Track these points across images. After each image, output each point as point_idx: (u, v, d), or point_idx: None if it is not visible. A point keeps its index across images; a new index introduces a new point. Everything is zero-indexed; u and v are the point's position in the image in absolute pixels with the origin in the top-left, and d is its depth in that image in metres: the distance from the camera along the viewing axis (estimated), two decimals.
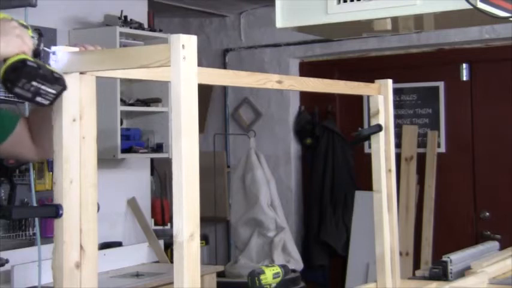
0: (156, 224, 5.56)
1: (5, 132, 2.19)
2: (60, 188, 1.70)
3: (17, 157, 2.63)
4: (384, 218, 2.54)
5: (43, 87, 1.62)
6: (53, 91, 1.63)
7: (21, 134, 2.20)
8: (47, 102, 1.64)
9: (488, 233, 5.49)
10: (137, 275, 4.64)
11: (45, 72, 1.62)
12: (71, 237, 1.71)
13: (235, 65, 6.30)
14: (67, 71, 1.70)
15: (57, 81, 1.63)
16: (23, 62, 1.62)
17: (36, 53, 1.74)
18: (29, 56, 1.66)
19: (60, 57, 1.71)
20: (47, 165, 4.38)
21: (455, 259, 2.93)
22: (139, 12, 5.14)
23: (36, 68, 1.62)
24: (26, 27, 1.77)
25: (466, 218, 5.62)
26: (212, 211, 5.93)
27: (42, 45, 1.76)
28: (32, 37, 1.76)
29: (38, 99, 1.63)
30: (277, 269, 2.31)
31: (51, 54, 1.71)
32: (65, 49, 1.73)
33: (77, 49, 1.77)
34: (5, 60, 1.64)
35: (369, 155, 2.58)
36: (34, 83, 1.61)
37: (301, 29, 2.74)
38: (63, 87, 1.64)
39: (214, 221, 6.11)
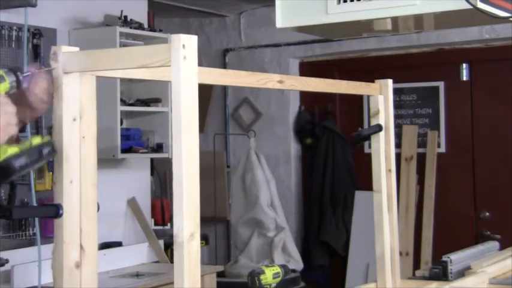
0: (156, 224, 5.55)
1: None
2: (60, 187, 1.70)
3: None
4: (384, 218, 2.55)
5: (36, 165, 1.63)
6: (45, 161, 1.65)
7: None
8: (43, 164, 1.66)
9: (488, 233, 5.49)
10: (137, 275, 4.64)
11: (33, 158, 1.61)
12: (71, 237, 1.71)
13: (235, 65, 6.30)
14: (67, 70, 1.70)
15: (44, 155, 1.63)
16: (10, 163, 1.58)
17: (21, 84, 1.72)
18: (14, 147, 1.61)
19: (60, 57, 1.71)
20: (46, 165, 4.38)
21: (455, 259, 2.93)
22: (139, 12, 5.14)
23: (24, 164, 1.60)
24: (1, 78, 1.69)
25: (466, 218, 5.62)
26: (212, 211, 5.93)
27: (20, 75, 1.73)
28: (11, 83, 1.69)
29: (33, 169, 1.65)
30: (277, 269, 2.31)
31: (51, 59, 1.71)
32: (66, 49, 1.73)
33: (77, 49, 1.76)
34: None
35: (369, 155, 2.58)
36: (25, 170, 1.62)
37: (301, 29, 2.74)
38: (53, 153, 1.64)
39: (214, 221, 6.11)
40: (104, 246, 4.74)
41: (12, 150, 1.60)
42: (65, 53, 1.72)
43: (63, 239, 1.70)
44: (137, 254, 4.96)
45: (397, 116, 5.10)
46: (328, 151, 5.96)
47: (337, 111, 6.11)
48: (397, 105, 5.62)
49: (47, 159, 1.64)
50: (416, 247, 5.52)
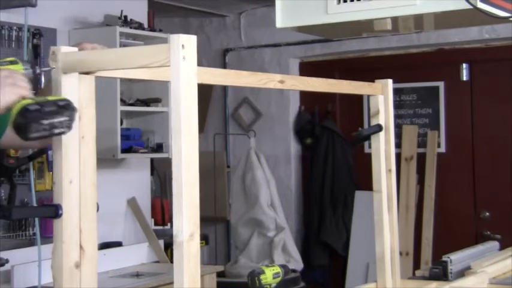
0: (156, 224, 5.56)
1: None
2: (59, 188, 1.70)
3: (20, 147, 2.62)
4: (384, 218, 2.54)
5: (55, 120, 1.60)
6: (65, 118, 1.62)
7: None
8: (66, 130, 1.63)
9: (488, 233, 5.49)
10: (137, 275, 4.64)
11: (49, 107, 1.60)
12: (71, 237, 1.71)
13: (235, 65, 6.30)
14: (66, 71, 1.70)
15: (65, 108, 1.62)
16: (25, 110, 1.58)
17: (37, 78, 1.73)
18: (28, 99, 1.62)
19: (60, 58, 1.71)
20: (46, 165, 4.38)
21: (455, 259, 2.92)
22: (139, 12, 5.14)
23: (40, 109, 1.59)
24: (14, 62, 1.74)
25: (466, 218, 5.62)
26: (212, 211, 5.93)
27: (38, 68, 1.75)
28: (25, 69, 1.73)
29: (56, 131, 1.61)
30: (277, 269, 2.31)
31: (51, 65, 1.71)
32: (65, 49, 1.73)
33: (76, 49, 1.76)
34: (9, 110, 1.62)
35: (369, 155, 2.58)
36: (45, 122, 1.59)
37: (301, 29, 2.74)
38: (73, 110, 1.63)
39: (214, 221, 6.11)
40: (104, 246, 4.74)
41: (27, 101, 1.60)
42: (64, 53, 1.72)
43: (63, 239, 1.70)
44: (137, 254, 4.96)
45: (397, 116, 5.11)
46: (328, 151, 5.96)
47: (337, 111, 6.11)
48: (397, 105, 5.62)
49: (65, 111, 1.60)
50: (416, 247, 5.52)
